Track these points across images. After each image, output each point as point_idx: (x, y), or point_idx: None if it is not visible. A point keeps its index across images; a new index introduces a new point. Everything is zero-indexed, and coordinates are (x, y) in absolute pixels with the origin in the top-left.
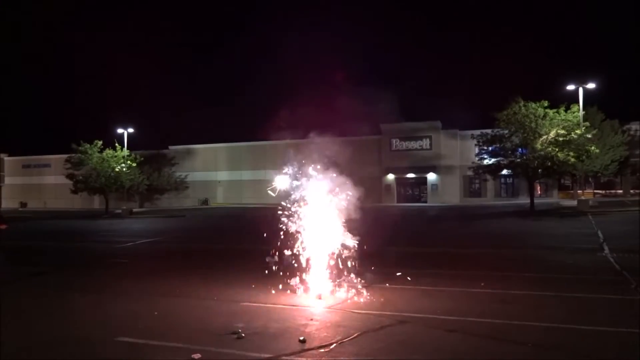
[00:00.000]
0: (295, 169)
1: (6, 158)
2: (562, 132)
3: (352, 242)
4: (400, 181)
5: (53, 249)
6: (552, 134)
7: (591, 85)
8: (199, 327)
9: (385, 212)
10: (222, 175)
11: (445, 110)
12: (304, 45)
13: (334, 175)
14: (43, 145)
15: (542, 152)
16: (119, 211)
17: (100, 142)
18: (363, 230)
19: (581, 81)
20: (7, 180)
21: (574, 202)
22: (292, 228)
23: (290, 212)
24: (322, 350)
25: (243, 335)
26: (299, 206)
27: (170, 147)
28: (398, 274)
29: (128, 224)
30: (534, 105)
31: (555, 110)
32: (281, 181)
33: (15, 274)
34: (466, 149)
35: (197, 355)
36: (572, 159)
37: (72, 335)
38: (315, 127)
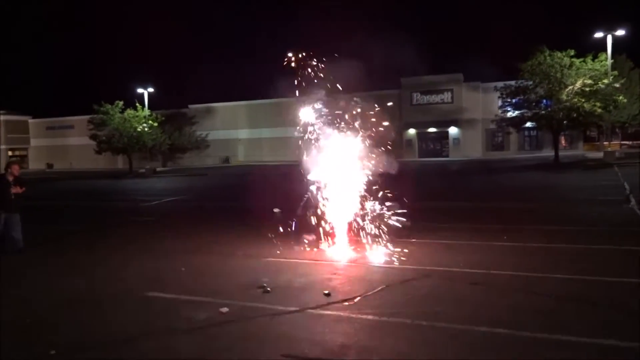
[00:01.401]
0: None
1: (30, 120)
2: (589, 82)
3: (373, 198)
4: (421, 136)
5: (80, 209)
6: (579, 84)
7: (620, 32)
8: (226, 282)
9: (407, 167)
10: (243, 134)
11: (468, 62)
12: None
13: (353, 131)
14: (66, 106)
15: (568, 103)
16: (143, 170)
17: (121, 103)
18: (384, 185)
19: (610, 28)
20: (33, 142)
21: (600, 154)
22: (315, 185)
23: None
24: (347, 303)
25: (269, 289)
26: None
27: (190, 106)
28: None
29: (152, 182)
30: (559, 54)
31: (581, 59)
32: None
33: (44, 234)
34: (489, 102)
35: (224, 309)
36: (599, 110)
37: (104, 291)
38: (335, 81)
